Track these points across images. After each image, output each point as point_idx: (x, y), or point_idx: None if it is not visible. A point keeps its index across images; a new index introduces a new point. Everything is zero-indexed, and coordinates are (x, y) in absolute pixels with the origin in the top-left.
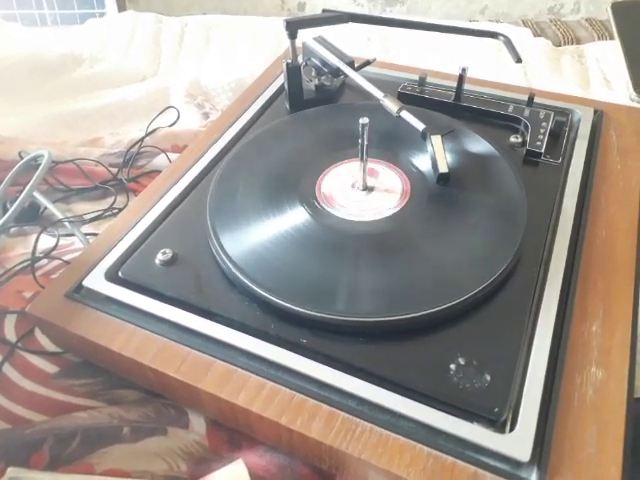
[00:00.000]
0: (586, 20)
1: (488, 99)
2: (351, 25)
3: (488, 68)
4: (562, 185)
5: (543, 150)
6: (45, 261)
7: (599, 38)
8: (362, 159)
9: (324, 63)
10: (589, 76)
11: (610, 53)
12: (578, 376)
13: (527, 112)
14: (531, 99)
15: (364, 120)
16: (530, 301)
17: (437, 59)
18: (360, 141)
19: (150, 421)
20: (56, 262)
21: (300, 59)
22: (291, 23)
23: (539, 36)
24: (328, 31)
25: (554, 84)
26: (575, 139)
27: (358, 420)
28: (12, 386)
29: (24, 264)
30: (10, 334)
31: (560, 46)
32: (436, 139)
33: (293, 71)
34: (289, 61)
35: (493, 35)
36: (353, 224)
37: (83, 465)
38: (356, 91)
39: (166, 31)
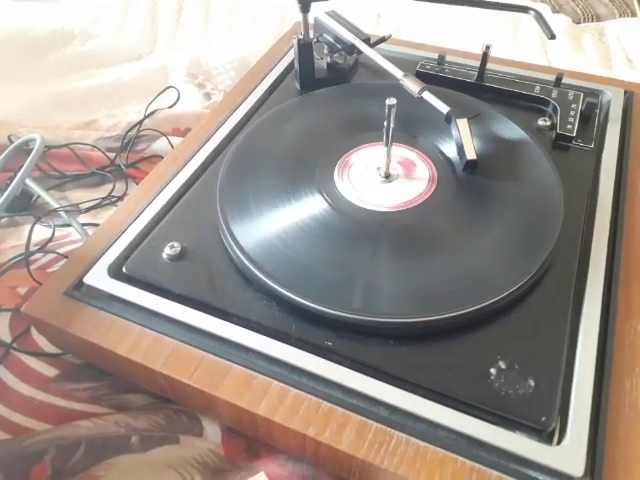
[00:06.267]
0: None
1: (512, 79)
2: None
3: (505, 46)
4: (596, 171)
5: (575, 134)
6: (40, 253)
7: (620, 15)
8: (387, 143)
9: (338, 39)
10: (611, 55)
11: (632, 31)
12: (627, 380)
13: (555, 93)
14: (559, 79)
15: (391, 101)
16: (570, 298)
17: (451, 36)
18: (385, 124)
19: (160, 429)
20: (52, 254)
21: (311, 35)
22: None
23: (557, 12)
24: (334, 6)
25: (576, 64)
26: (606, 122)
27: (392, 431)
28: (8, 391)
29: (18, 259)
30: (4, 333)
31: (580, 23)
32: (462, 123)
33: (305, 48)
34: (300, 37)
35: (524, 10)
36: (379, 215)
37: (88, 477)
38: (370, 70)
39: (162, 6)
